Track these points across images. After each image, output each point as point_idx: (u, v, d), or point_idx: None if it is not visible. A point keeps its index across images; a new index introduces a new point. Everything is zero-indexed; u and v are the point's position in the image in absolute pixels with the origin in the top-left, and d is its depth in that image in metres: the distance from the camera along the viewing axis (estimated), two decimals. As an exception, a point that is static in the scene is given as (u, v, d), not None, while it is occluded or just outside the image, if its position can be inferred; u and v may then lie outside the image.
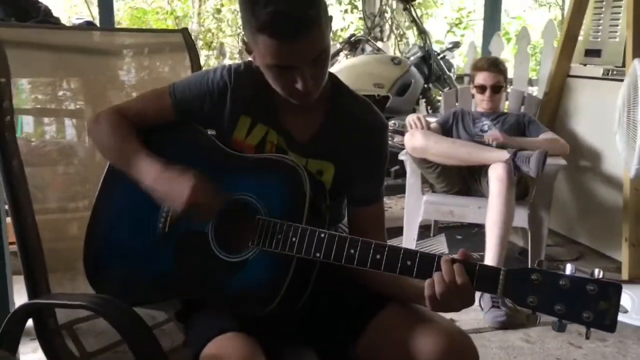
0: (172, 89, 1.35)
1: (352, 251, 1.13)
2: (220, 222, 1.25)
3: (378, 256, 1.12)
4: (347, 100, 1.36)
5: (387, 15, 6.51)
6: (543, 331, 2.47)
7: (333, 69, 4.14)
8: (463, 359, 1.20)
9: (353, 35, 5.09)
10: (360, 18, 7.50)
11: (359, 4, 7.36)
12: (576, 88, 3.57)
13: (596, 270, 1.00)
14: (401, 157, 3.12)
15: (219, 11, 8.76)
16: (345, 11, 8.02)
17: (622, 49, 3.22)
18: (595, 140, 3.39)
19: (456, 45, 5.29)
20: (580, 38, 3.56)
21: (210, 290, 1.24)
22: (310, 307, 1.24)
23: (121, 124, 1.33)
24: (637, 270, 3.01)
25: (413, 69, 4.40)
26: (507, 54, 5.89)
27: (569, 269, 1.02)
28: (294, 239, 1.16)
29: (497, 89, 3.10)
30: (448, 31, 9.01)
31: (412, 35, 6.72)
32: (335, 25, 7.60)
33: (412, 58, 4.58)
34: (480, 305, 2.60)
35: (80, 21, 4.14)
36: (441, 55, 4.77)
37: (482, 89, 3.11)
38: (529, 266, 1.06)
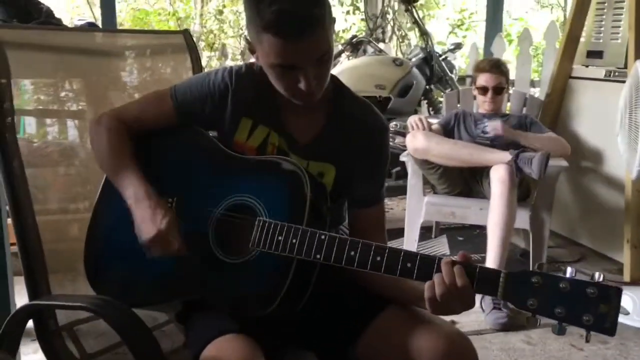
0: (174, 92, 1.35)
1: (352, 253, 1.13)
2: (221, 223, 1.25)
3: (378, 258, 1.11)
4: (349, 102, 1.36)
5: (389, 17, 6.52)
6: (544, 333, 2.47)
7: (335, 70, 4.15)
8: (463, 361, 1.19)
9: (355, 36, 5.08)
10: (362, 19, 7.51)
11: (361, 6, 7.36)
12: (578, 89, 3.56)
13: (596, 274, 1.00)
14: (403, 158, 3.12)
15: (221, 12, 8.75)
16: (347, 12, 8.02)
17: (624, 50, 3.22)
18: (597, 142, 3.39)
19: (458, 46, 5.29)
20: (582, 39, 3.56)
21: (211, 291, 1.24)
22: (310, 309, 1.24)
23: (118, 133, 1.33)
24: (639, 271, 3.00)
25: (415, 70, 4.40)
26: (509, 55, 5.87)
27: (569, 271, 1.01)
28: (294, 240, 1.16)
29: (499, 91, 3.10)
30: (450, 32, 8.99)
31: (414, 37, 6.72)
32: (337, 26, 7.60)
33: (414, 59, 4.57)
34: (481, 307, 2.59)
35: (83, 22, 4.15)
36: (443, 57, 4.77)
37: (484, 90, 3.11)
38: (530, 268, 1.05)
